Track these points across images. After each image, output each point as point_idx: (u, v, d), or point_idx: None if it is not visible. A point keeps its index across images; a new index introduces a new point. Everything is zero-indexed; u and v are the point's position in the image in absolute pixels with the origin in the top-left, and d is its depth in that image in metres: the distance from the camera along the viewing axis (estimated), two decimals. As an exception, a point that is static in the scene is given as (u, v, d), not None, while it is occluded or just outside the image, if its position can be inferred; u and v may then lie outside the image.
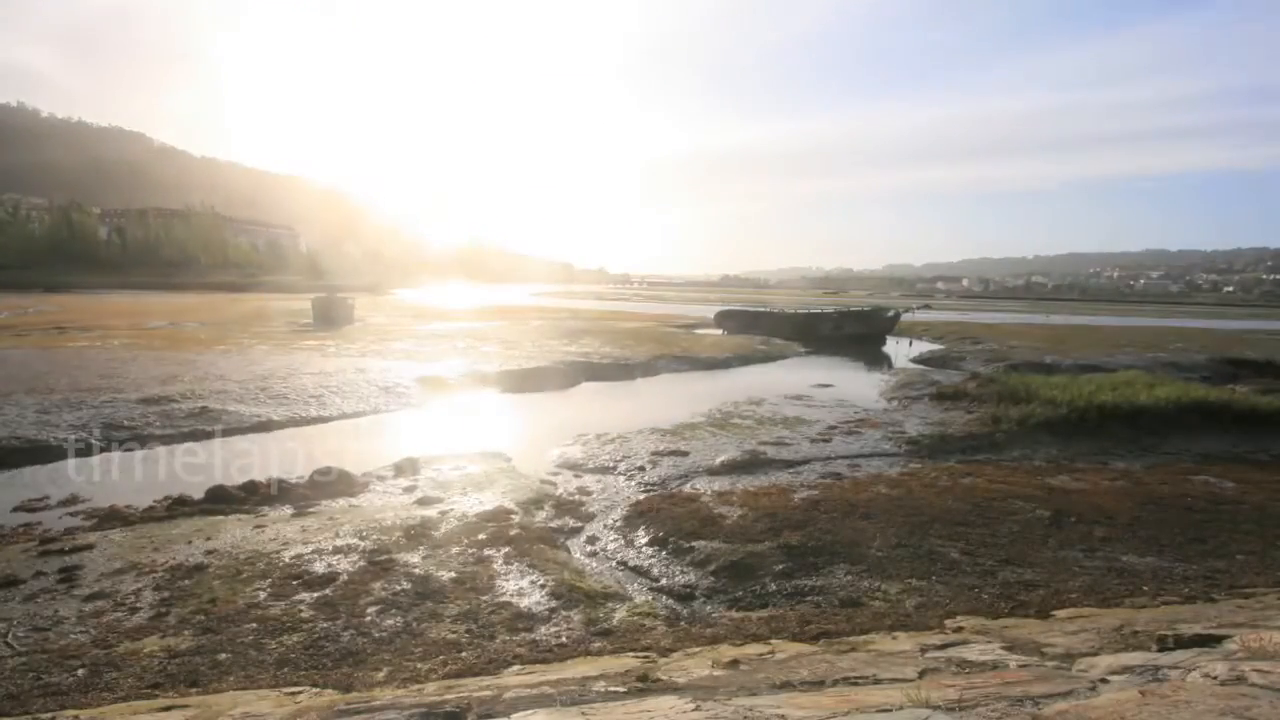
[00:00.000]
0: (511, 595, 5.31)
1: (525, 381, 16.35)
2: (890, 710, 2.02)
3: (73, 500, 7.68)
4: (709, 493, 8.14)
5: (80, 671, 4.05)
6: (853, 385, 17.79)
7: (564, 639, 4.57)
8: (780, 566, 5.89)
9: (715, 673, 3.15)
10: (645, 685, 2.85)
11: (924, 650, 3.36)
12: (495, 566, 5.87)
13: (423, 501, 7.68)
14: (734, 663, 3.35)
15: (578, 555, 6.38)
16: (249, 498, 7.78)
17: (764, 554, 6.12)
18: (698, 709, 2.11)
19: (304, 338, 23.12)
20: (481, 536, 6.51)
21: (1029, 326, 40.68)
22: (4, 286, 46.10)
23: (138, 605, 5.02)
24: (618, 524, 7.11)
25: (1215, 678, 2.05)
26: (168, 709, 3.20)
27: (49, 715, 3.17)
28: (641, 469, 9.42)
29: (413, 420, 12.78)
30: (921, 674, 2.70)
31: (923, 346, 28.09)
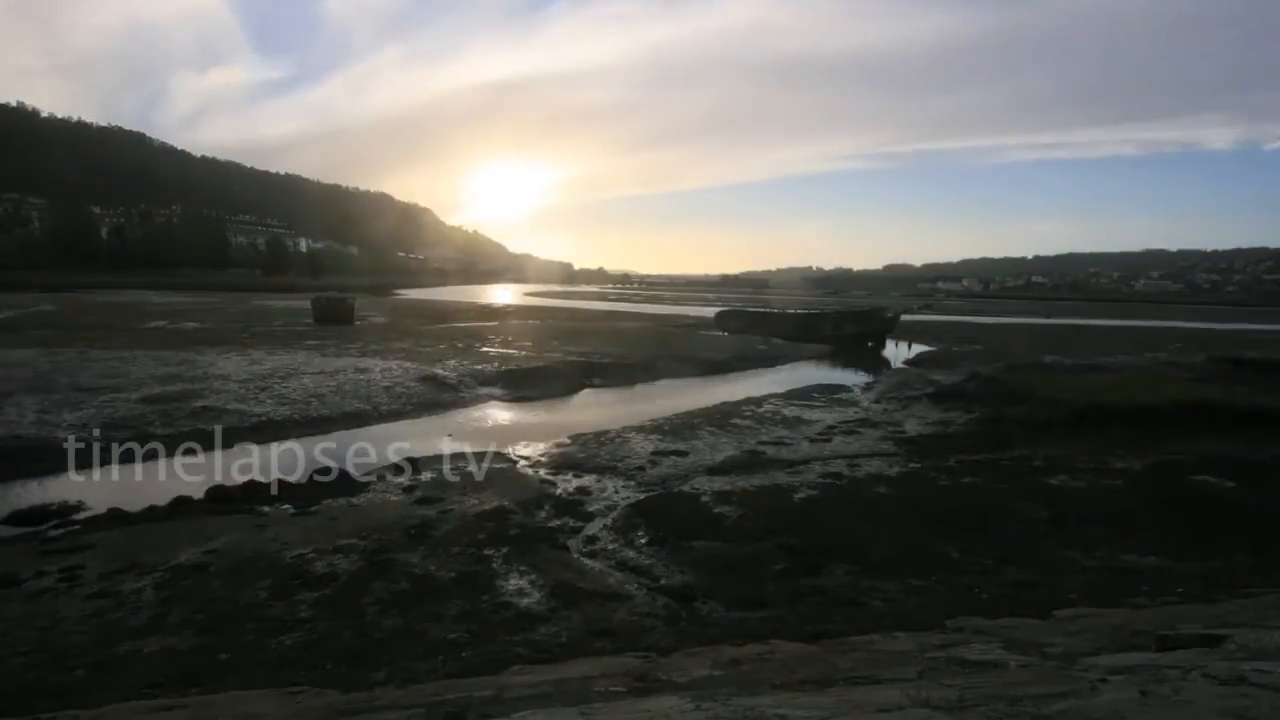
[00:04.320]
0: (511, 595, 5.32)
1: (525, 381, 16.35)
2: (890, 710, 2.01)
3: (73, 500, 7.68)
4: (709, 492, 8.14)
5: (81, 671, 4.06)
6: (853, 385, 17.80)
7: (564, 639, 4.57)
8: (780, 566, 5.89)
9: (715, 673, 3.14)
10: (645, 685, 2.85)
11: (924, 650, 3.36)
12: (495, 566, 5.87)
13: (423, 501, 7.69)
14: (734, 663, 3.35)
15: (577, 555, 6.38)
16: (249, 497, 7.78)
17: (764, 554, 6.12)
18: (698, 709, 2.11)
19: (304, 338, 23.12)
20: (481, 536, 6.52)
21: (1029, 326, 40.73)
22: (4, 286, 46.03)
23: (138, 605, 5.03)
24: (618, 524, 7.11)
25: (1215, 678, 2.04)
26: (168, 709, 3.20)
27: (49, 715, 3.17)
28: (641, 468, 9.42)
29: (413, 419, 12.78)
30: (921, 674, 2.70)
31: (922, 347, 28.09)
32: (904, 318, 33.42)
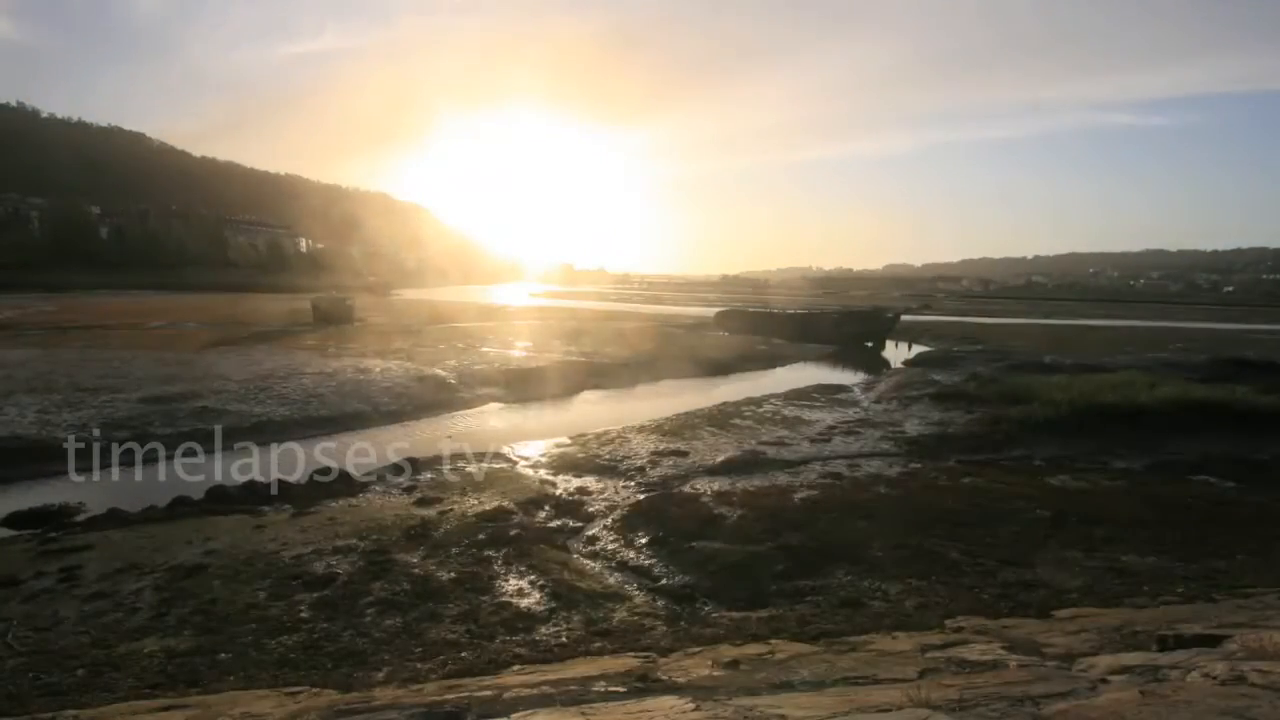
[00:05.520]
0: (511, 595, 5.31)
1: (525, 381, 16.36)
2: (890, 710, 2.02)
3: (72, 500, 7.68)
4: (709, 493, 8.14)
5: (80, 671, 4.05)
6: (853, 385, 17.80)
7: (564, 639, 4.57)
8: (780, 567, 5.89)
9: (715, 673, 3.14)
10: (645, 685, 2.85)
11: (924, 650, 3.36)
12: (495, 567, 5.87)
13: (422, 502, 7.69)
14: (734, 663, 3.35)
15: (577, 555, 6.37)
16: (249, 498, 7.78)
17: (764, 554, 6.12)
18: (698, 709, 2.11)
19: (304, 338, 23.12)
20: (481, 537, 6.51)
21: (1029, 327, 40.72)
22: (4, 286, 45.98)
23: (138, 605, 5.03)
24: (618, 524, 7.11)
25: (1215, 678, 2.04)
26: (168, 709, 3.20)
27: (49, 715, 3.17)
28: (642, 469, 9.42)
29: (413, 419, 12.78)
30: (921, 674, 2.70)
31: (922, 347, 28.09)
32: (904, 318, 33.40)
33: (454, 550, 6.18)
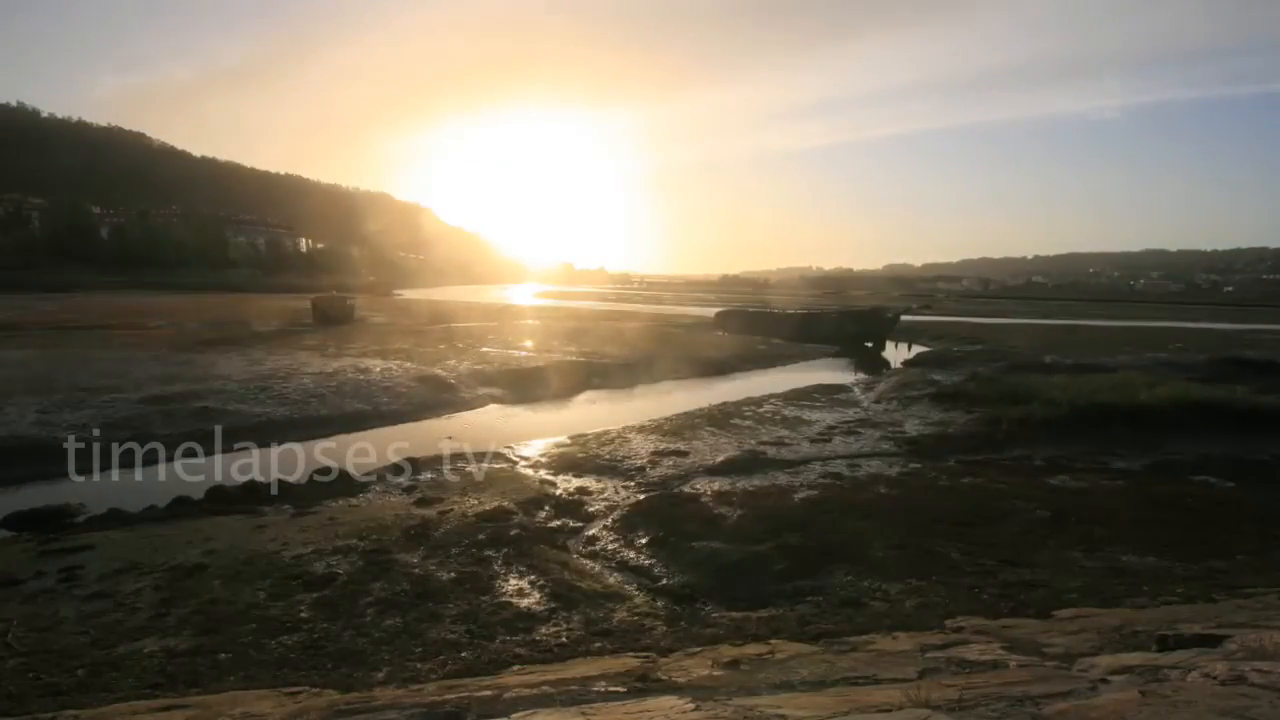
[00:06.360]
0: (511, 595, 5.32)
1: (525, 381, 16.36)
2: (890, 710, 2.02)
3: (72, 500, 7.67)
4: (709, 493, 8.14)
5: (80, 671, 4.06)
6: (853, 385, 17.80)
7: (564, 639, 4.57)
8: (780, 567, 5.88)
9: (715, 673, 3.15)
10: (645, 685, 2.85)
11: (924, 650, 3.36)
12: (495, 567, 5.87)
13: (422, 502, 7.69)
14: (734, 663, 3.35)
15: (577, 555, 6.37)
16: (249, 498, 7.78)
17: (764, 554, 6.12)
18: (698, 709, 2.11)
19: (304, 338, 23.11)
20: (481, 537, 6.51)
21: (1029, 326, 40.68)
22: (4, 286, 45.94)
23: (138, 605, 5.03)
24: (618, 524, 7.11)
25: (1215, 678, 2.05)
26: (168, 709, 3.20)
27: (49, 715, 3.17)
28: (641, 469, 9.41)
29: (413, 419, 12.78)
30: (921, 674, 2.71)
31: (922, 347, 28.09)
32: (904, 318, 33.40)
33: (454, 550, 6.18)
